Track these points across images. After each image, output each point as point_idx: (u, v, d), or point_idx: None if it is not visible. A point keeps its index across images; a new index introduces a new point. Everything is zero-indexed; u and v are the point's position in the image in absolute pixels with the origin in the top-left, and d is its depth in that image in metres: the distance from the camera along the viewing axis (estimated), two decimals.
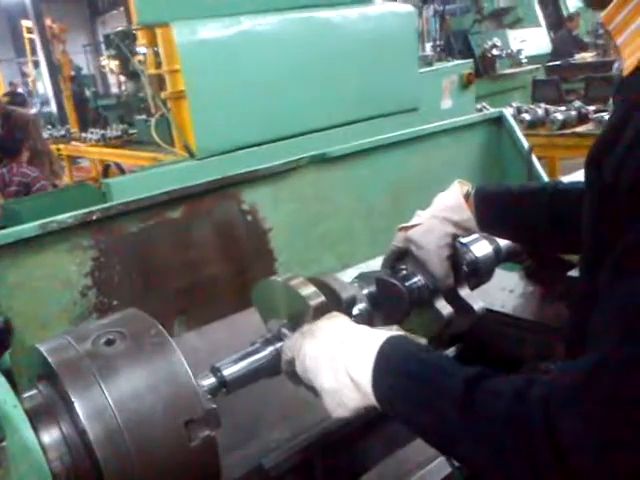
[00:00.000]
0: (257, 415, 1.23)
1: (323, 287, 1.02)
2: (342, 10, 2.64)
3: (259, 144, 2.48)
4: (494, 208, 1.25)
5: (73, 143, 8.69)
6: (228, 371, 0.95)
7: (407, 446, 1.16)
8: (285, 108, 2.56)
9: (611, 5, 0.78)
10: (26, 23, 14.38)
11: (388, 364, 0.85)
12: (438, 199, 1.31)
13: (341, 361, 0.87)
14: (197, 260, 1.80)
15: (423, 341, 1.25)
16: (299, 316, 0.96)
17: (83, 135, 8.45)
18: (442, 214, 1.25)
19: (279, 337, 1.00)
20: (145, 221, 1.69)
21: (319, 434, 1.21)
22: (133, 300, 1.70)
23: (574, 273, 1.40)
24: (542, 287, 1.57)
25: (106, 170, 3.79)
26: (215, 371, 0.94)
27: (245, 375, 0.96)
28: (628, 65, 0.77)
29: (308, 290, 0.98)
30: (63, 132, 9.70)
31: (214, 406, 0.80)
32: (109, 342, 0.79)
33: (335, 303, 1.00)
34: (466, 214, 1.23)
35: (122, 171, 3.60)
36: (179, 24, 2.25)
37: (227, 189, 1.86)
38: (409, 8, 2.92)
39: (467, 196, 1.26)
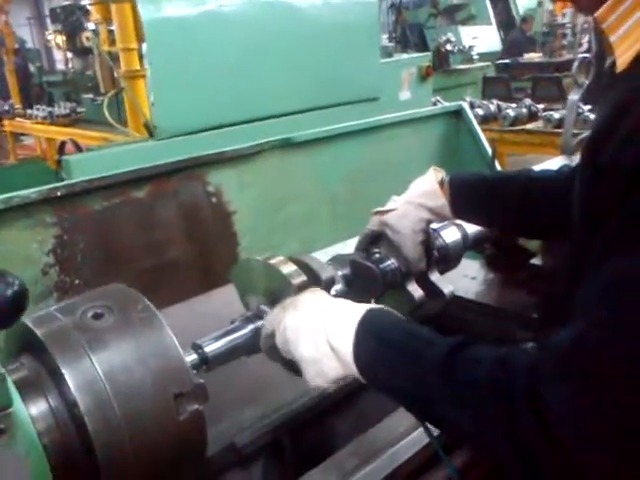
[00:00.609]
0: (230, 394, 1.24)
1: (302, 267, 1.03)
2: None
3: (220, 127, 2.46)
4: (468, 195, 1.28)
5: (18, 119, 8.36)
6: (209, 348, 0.95)
7: (378, 425, 1.19)
8: (247, 91, 2.54)
9: (605, 5, 0.83)
10: None
11: (369, 333, 0.86)
12: (414, 185, 1.34)
13: (322, 331, 0.88)
14: (161, 241, 1.79)
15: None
16: (279, 295, 0.97)
17: (28, 112, 8.14)
18: (417, 200, 1.28)
19: (259, 315, 1.02)
20: (110, 199, 1.66)
21: (290, 413, 1.23)
22: (95, 280, 1.67)
23: (536, 261, 1.47)
24: (503, 274, 1.63)
25: (62, 147, 3.68)
26: (197, 348, 0.95)
27: (226, 352, 0.97)
28: (623, 60, 0.82)
29: (289, 269, 1.00)
30: (6, 107, 9.32)
31: (202, 381, 0.81)
32: (97, 316, 0.78)
33: (314, 283, 1.02)
34: (441, 201, 1.26)
35: (79, 149, 3.51)
36: (144, 0, 2.20)
37: (193, 170, 1.84)
38: None
39: (442, 183, 1.29)
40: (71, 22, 9.39)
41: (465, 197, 1.28)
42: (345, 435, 1.16)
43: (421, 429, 1.14)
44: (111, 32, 4.86)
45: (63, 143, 3.85)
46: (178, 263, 1.83)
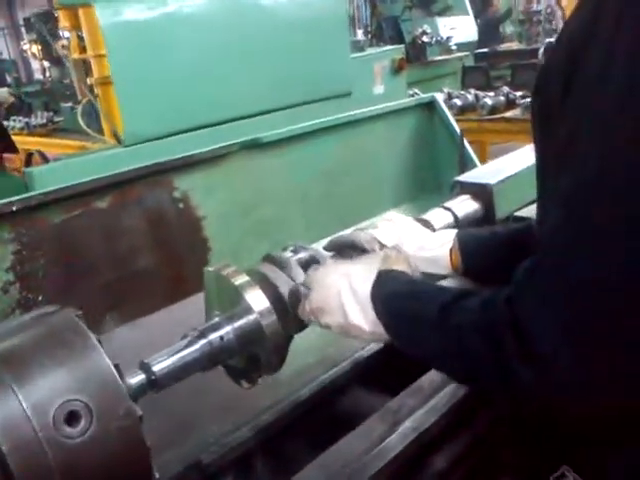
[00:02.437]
0: (194, 409, 1.19)
1: (260, 278, 0.99)
2: None
3: (189, 130, 2.41)
4: (483, 260, 1.21)
5: None
6: (158, 367, 0.90)
7: (351, 433, 1.14)
8: (215, 93, 2.49)
9: None
10: None
11: (382, 285, 0.95)
12: (421, 236, 1.26)
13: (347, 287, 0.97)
14: (127, 251, 1.74)
15: None
16: (232, 306, 0.93)
17: (5, 123, 8.04)
18: (424, 265, 1.21)
19: (212, 328, 0.97)
20: (70, 211, 1.61)
21: (257, 427, 1.18)
22: (59, 295, 1.62)
23: None
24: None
25: (29, 159, 3.61)
26: (145, 367, 0.90)
27: (176, 370, 0.92)
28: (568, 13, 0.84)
29: (241, 280, 0.95)
30: None
31: (139, 413, 0.75)
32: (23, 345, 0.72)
33: (273, 296, 0.97)
34: (447, 270, 1.22)
35: (46, 160, 3.44)
36: (102, 5, 2.15)
37: (158, 176, 1.80)
38: None
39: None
40: (46, 30, 9.30)
41: (480, 263, 1.21)
42: (316, 448, 1.11)
43: (394, 436, 1.10)
44: (81, 39, 4.79)
45: (29, 155, 3.78)
46: (146, 273, 1.78)
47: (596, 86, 0.69)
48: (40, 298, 1.59)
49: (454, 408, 1.20)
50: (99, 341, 0.78)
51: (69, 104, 7.51)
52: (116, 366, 0.75)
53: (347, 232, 1.24)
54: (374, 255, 1.07)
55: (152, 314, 1.77)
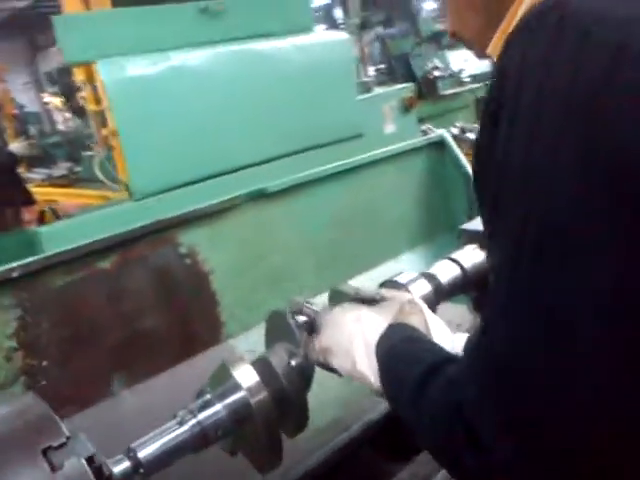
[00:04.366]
0: None
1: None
2: (274, 41, 2.60)
3: (198, 181, 2.40)
4: None
5: None
6: (144, 452, 0.85)
7: None
8: (222, 143, 2.49)
9: (494, 39, 0.79)
10: None
11: (386, 337, 0.93)
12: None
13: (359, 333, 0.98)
14: (133, 311, 1.71)
15: None
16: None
17: (28, 175, 8.19)
18: None
19: (203, 406, 0.92)
20: (72, 274, 1.59)
21: None
22: (64, 360, 1.59)
23: None
24: None
25: (42, 216, 3.64)
26: (129, 453, 0.84)
27: (164, 454, 0.86)
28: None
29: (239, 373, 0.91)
30: None
31: None
32: None
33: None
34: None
35: (58, 217, 3.46)
36: (104, 62, 2.16)
37: (162, 233, 1.77)
38: (344, 36, 2.90)
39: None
40: (66, 83, 9.52)
41: None
42: None
43: None
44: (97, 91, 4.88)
45: (42, 212, 3.80)
46: (154, 332, 1.74)
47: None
48: (44, 364, 1.56)
49: None
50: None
51: (89, 153, 7.62)
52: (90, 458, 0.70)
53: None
54: (391, 304, 1.05)
55: (161, 374, 1.73)
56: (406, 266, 2.09)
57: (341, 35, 2.94)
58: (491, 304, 0.69)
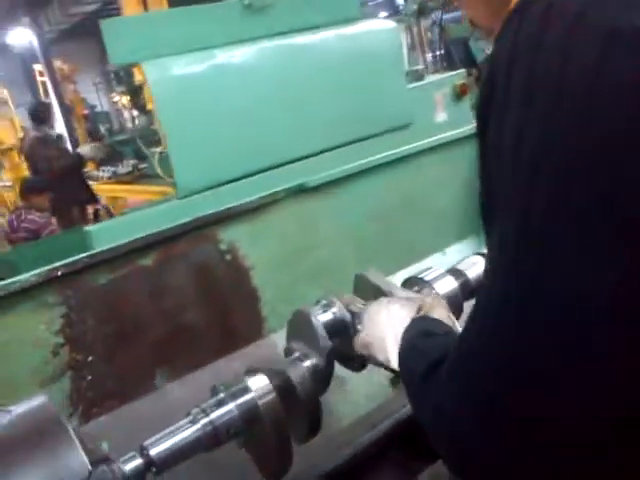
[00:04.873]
0: None
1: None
2: (319, 33, 2.58)
3: (241, 178, 2.42)
4: None
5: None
6: (156, 450, 0.87)
7: None
8: (268, 139, 2.49)
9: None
10: (38, 67, 14.61)
11: (408, 329, 0.95)
12: None
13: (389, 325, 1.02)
14: (175, 307, 1.74)
15: None
16: None
17: (95, 173, 8.47)
18: None
19: (217, 404, 0.92)
20: (115, 271, 1.63)
21: None
22: (109, 355, 1.64)
23: None
24: None
25: (96, 215, 3.77)
26: (142, 450, 0.86)
27: (176, 453, 0.88)
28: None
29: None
30: None
31: None
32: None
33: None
34: None
35: (111, 215, 3.57)
36: (149, 63, 2.20)
37: (202, 230, 1.80)
38: (390, 25, 2.85)
39: None
40: (131, 82, 9.79)
41: None
42: None
43: None
44: None
45: (96, 211, 3.93)
46: (195, 328, 1.77)
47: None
48: (90, 359, 1.62)
49: None
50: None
51: (154, 149, 7.79)
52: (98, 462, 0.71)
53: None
54: (417, 298, 1.09)
55: (203, 368, 1.76)
56: (454, 258, 2.05)
57: (388, 24, 2.89)
58: (485, 298, 0.68)
